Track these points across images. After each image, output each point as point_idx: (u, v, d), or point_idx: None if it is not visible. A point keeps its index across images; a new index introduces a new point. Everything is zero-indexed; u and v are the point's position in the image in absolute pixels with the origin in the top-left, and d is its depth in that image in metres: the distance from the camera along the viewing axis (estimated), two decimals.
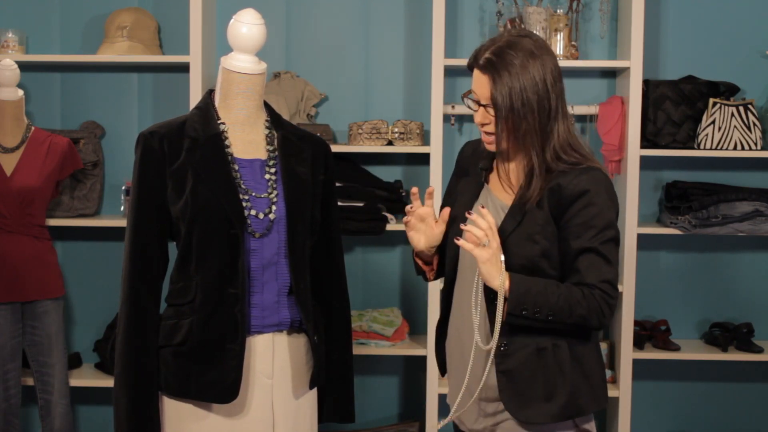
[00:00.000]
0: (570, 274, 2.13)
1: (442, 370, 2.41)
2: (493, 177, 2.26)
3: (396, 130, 3.73)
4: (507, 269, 2.11)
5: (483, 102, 2.13)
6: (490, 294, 2.12)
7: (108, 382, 3.62)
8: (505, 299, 2.08)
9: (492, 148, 2.18)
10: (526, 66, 2.09)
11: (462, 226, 2.10)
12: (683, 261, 4.00)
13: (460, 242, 2.08)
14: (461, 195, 2.30)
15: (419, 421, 3.90)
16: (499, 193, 2.22)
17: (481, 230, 2.06)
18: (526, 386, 2.15)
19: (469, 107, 2.20)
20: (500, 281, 2.06)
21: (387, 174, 3.94)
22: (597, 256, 2.10)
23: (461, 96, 2.23)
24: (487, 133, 2.16)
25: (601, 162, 3.74)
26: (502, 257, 2.08)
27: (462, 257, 2.24)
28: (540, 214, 2.13)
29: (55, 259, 3.68)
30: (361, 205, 3.73)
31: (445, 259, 2.29)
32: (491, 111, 2.12)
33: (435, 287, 3.57)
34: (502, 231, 2.14)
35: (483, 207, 2.12)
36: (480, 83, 2.13)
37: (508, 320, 2.09)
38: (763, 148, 3.76)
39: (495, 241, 2.07)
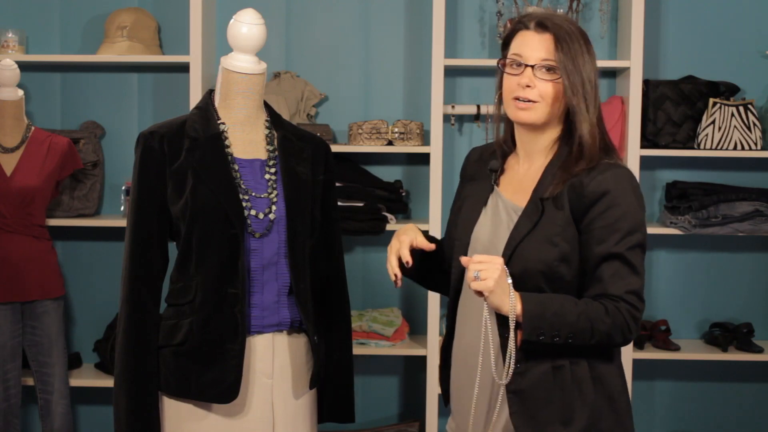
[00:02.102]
0: (592, 283, 1.94)
1: (447, 398, 2.19)
2: (504, 179, 2.12)
3: (396, 130, 3.73)
4: (523, 276, 1.95)
5: (532, 62, 1.99)
6: (501, 319, 1.93)
7: (108, 382, 3.62)
8: (519, 324, 1.90)
9: (527, 116, 2.02)
10: (582, 44, 2.01)
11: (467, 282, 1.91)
12: (683, 261, 4.00)
13: (472, 286, 1.89)
14: (469, 198, 2.15)
15: (419, 421, 3.90)
16: (511, 196, 2.07)
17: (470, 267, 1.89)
18: (540, 409, 1.96)
19: (506, 72, 2.04)
20: (510, 305, 1.88)
21: (387, 174, 3.94)
22: (622, 263, 1.91)
23: (497, 62, 2.08)
24: (527, 100, 2.00)
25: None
26: (509, 279, 1.90)
27: (468, 270, 1.99)
28: (559, 214, 1.96)
29: (55, 259, 3.68)
30: (361, 205, 3.73)
31: (451, 272, 2.14)
32: (540, 74, 1.99)
33: None
34: (516, 233, 1.98)
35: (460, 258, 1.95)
36: (536, 43, 2.00)
37: (524, 347, 1.91)
38: (763, 148, 3.76)
39: (492, 266, 1.88)
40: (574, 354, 1.96)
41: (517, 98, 2.02)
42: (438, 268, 2.22)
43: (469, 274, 1.89)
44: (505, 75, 2.06)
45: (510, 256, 1.97)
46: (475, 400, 2.00)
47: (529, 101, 2.01)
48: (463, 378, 2.09)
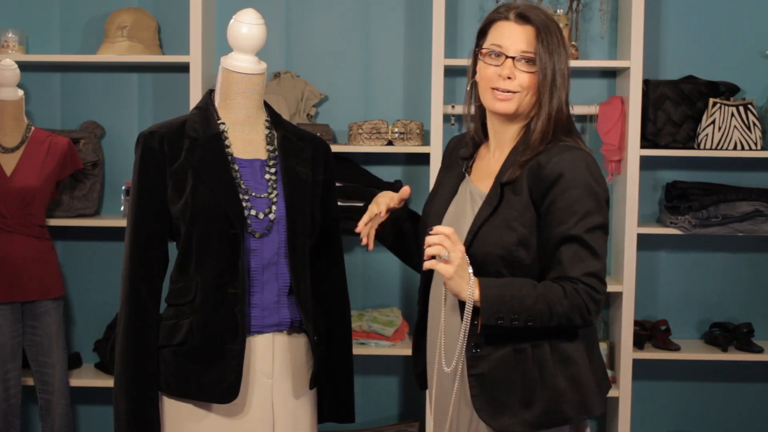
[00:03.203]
0: (552, 265, 1.95)
1: (422, 383, 2.23)
2: (476, 167, 2.15)
3: (396, 130, 3.73)
4: (484, 260, 1.97)
5: (512, 54, 2.01)
6: (462, 304, 1.95)
7: (108, 382, 3.62)
8: (478, 309, 1.91)
9: (505, 107, 2.04)
10: (560, 37, 2.05)
11: (425, 248, 1.93)
12: (683, 261, 4.00)
13: (425, 266, 1.92)
14: (442, 186, 2.19)
15: (419, 421, 3.90)
16: (480, 183, 2.10)
17: (438, 243, 1.89)
18: (501, 391, 1.98)
19: (484, 62, 2.05)
20: (469, 292, 1.90)
21: (387, 174, 3.94)
22: (581, 246, 1.92)
23: (473, 51, 2.10)
24: (507, 91, 2.03)
25: (600, 162, 3.77)
26: (470, 269, 1.92)
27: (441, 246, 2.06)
28: (517, 199, 1.98)
29: (55, 259, 3.68)
30: (361, 205, 3.72)
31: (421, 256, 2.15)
32: (520, 65, 2.01)
33: None
34: (477, 218, 2.01)
35: (431, 229, 1.95)
36: (517, 35, 2.02)
37: (485, 331, 1.93)
38: (763, 148, 3.76)
39: (458, 251, 1.91)
40: (536, 336, 1.97)
41: (495, 89, 2.04)
42: (415, 244, 2.27)
43: (441, 251, 1.89)
44: (482, 64, 2.07)
45: (471, 242, 2.00)
46: (434, 395, 2.03)
47: (509, 92, 2.03)
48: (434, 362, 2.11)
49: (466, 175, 2.15)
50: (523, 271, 1.98)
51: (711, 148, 3.72)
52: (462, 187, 2.13)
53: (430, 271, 2.13)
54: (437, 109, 3.64)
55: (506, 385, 1.98)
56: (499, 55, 2.04)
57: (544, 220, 1.96)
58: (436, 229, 1.93)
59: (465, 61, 3.79)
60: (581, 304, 1.92)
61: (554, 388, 1.98)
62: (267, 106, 2.44)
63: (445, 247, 1.89)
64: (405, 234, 2.29)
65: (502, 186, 2.01)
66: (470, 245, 1.99)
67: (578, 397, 1.99)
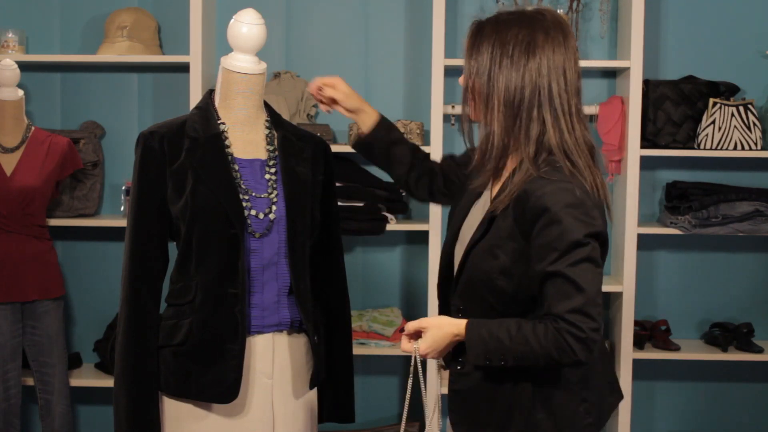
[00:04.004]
0: (541, 301, 1.90)
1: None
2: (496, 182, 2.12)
3: None
4: (469, 284, 1.98)
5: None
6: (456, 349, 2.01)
7: (108, 382, 3.62)
8: (458, 354, 1.98)
9: (470, 113, 2.04)
10: (512, 47, 1.94)
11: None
12: (683, 261, 4.00)
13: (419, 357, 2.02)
14: (470, 190, 2.15)
15: (419, 421, 3.89)
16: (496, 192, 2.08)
17: (406, 351, 2.00)
18: (479, 410, 2.00)
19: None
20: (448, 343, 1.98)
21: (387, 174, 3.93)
22: (564, 281, 1.84)
23: None
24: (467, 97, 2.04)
25: (601, 163, 3.76)
26: (447, 326, 1.96)
27: (456, 255, 2.09)
28: (504, 226, 1.93)
29: (55, 259, 3.68)
30: (361, 205, 3.73)
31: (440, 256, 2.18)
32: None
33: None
34: (471, 240, 1.99)
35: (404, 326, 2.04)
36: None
37: (476, 367, 1.98)
38: (763, 148, 3.76)
39: (427, 340, 1.97)
40: (521, 367, 1.94)
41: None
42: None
43: (411, 352, 2.00)
44: None
45: (464, 262, 2.01)
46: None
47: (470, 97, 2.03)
48: None
49: (491, 180, 2.10)
50: (506, 300, 1.95)
51: (711, 148, 3.72)
52: (485, 192, 2.10)
53: (447, 270, 2.13)
54: (437, 109, 3.64)
55: (484, 405, 1.99)
56: None
57: (531, 253, 1.90)
58: (404, 336, 2.03)
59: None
60: (563, 344, 1.83)
61: (529, 418, 1.96)
62: (267, 106, 2.44)
63: (411, 350, 1.99)
64: (397, 159, 2.43)
65: (495, 210, 1.97)
66: (462, 266, 2.01)
67: (556, 429, 1.97)
